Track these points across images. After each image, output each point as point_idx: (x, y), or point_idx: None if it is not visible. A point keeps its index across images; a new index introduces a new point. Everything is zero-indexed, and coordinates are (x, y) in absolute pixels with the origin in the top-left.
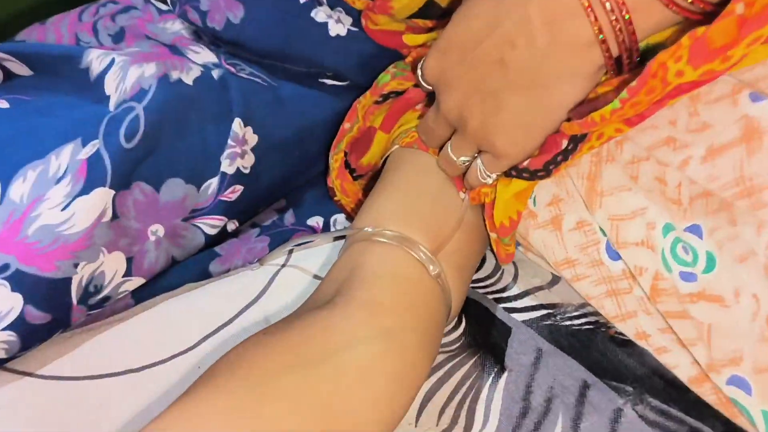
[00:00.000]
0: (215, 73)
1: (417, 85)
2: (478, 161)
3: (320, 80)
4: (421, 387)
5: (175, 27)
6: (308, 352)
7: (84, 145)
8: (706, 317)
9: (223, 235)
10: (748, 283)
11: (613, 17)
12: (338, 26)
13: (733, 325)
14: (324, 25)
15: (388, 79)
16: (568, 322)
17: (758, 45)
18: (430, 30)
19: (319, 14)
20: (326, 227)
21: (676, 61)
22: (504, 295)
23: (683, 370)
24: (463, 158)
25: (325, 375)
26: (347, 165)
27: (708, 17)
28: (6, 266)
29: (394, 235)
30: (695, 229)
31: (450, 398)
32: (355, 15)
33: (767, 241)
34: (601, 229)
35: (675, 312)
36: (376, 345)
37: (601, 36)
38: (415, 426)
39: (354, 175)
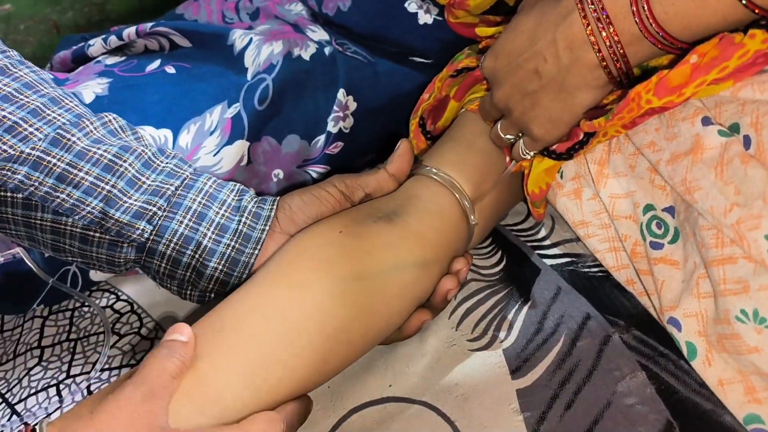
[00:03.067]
0: (327, 50)
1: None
2: (520, 141)
3: (410, 58)
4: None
5: (298, 8)
6: (371, 263)
7: (229, 106)
8: (661, 275)
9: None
10: (692, 253)
11: (612, 50)
12: (426, 16)
13: (677, 282)
14: (414, 15)
15: (463, 58)
16: (586, 269)
17: (704, 86)
18: (498, 24)
19: (411, 5)
20: None
21: (647, 92)
22: (539, 243)
23: (654, 312)
24: (508, 136)
25: (378, 286)
26: (423, 127)
27: (685, 52)
28: None
29: (449, 179)
30: (671, 210)
31: (484, 316)
32: (441, 6)
33: (700, 225)
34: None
35: (644, 270)
36: (415, 271)
37: (603, 62)
38: (456, 330)
39: (429, 136)
